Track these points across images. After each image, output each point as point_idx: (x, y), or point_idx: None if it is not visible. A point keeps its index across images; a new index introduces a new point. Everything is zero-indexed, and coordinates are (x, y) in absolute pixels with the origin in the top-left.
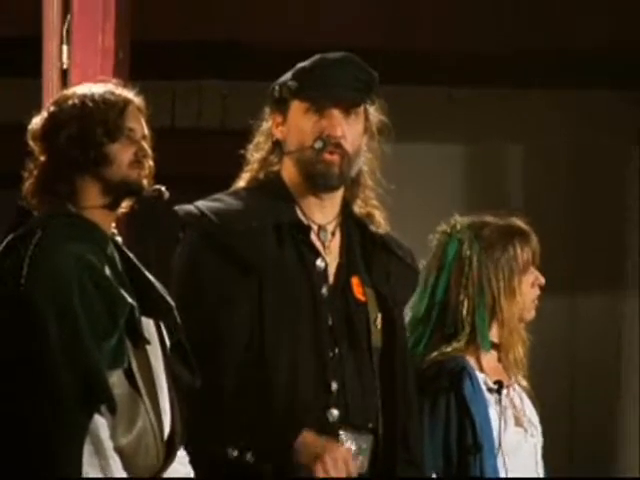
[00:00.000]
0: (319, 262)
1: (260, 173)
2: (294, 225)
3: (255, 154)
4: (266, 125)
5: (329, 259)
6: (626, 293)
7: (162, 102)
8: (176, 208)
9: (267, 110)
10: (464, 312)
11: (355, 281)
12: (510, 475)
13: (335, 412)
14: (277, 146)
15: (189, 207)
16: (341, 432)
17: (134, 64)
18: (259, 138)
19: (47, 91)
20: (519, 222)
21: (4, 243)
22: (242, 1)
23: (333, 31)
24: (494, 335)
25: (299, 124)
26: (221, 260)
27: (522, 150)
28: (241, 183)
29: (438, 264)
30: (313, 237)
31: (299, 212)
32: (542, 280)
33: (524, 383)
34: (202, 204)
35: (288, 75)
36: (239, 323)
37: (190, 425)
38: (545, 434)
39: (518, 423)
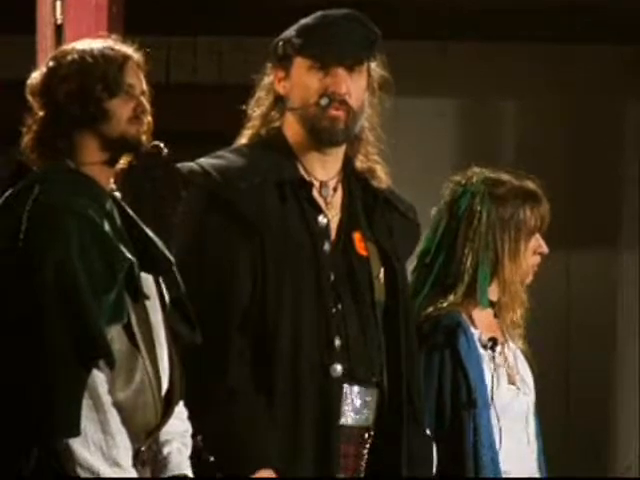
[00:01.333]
0: (321, 218)
1: (262, 129)
2: (296, 181)
3: (256, 109)
4: (267, 80)
5: (331, 215)
6: (622, 249)
7: (157, 57)
8: (178, 166)
9: (269, 65)
10: (467, 265)
11: (357, 236)
12: (501, 430)
13: (339, 367)
14: (279, 101)
15: (191, 165)
16: (345, 386)
17: (128, 19)
18: (260, 93)
19: (41, 47)
20: (533, 185)
21: (2, 198)
22: None
23: None
24: (493, 293)
25: (303, 80)
26: (224, 218)
27: (517, 105)
28: (243, 140)
29: (449, 214)
30: (315, 193)
31: (301, 168)
32: (545, 249)
33: (520, 344)
34: (205, 162)
35: (291, 31)
36: (242, 280)
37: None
38: (541, 391)
39: (511, 381)
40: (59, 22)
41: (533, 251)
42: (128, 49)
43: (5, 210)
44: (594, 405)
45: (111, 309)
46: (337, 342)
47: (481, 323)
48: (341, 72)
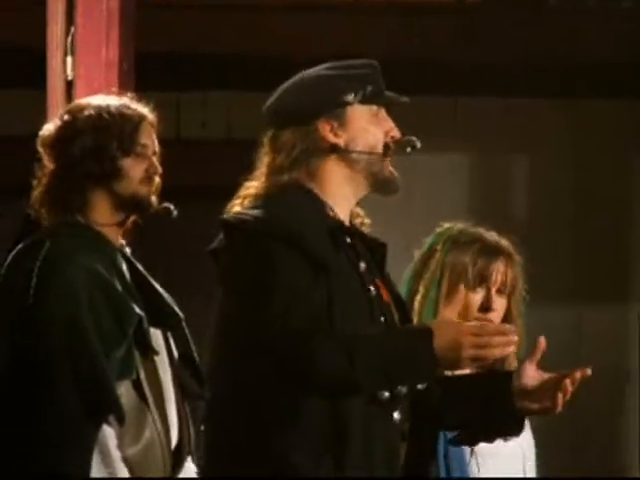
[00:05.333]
0: (362, 264)
1: (281, 178)
2: (339, 228)
3: (280, 158)
4: (306, 130)
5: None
6: (632, 303)
7: (167, 113)
8: (225, 217)
9: (310, 116)
10: (416, 302)
11: (378, 282)
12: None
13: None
14: (325, 150)
15: (242, 216)
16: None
17: (139, 75)
18: (286, 144)
19: (52, 102)
20: (500, 240)
21: (13, 253)
22: (246, 12)
23: (339, 41)
24: None
25: (367, 128)
26: (295, 260)
27: (527, 160)
28: (254, 189)
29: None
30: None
31: (337, 215)
32: (493, 306)
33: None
34: (253, 212)
35: (340, 82)
36: (313, 315)
37: None
38: (547, 445)
39: None
40: (70, 78)
41: (479, 305)
42: (144, 109)
43: (15, 265)
44: (607, 457)
45: (120, 364)
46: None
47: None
48: (387, 115)
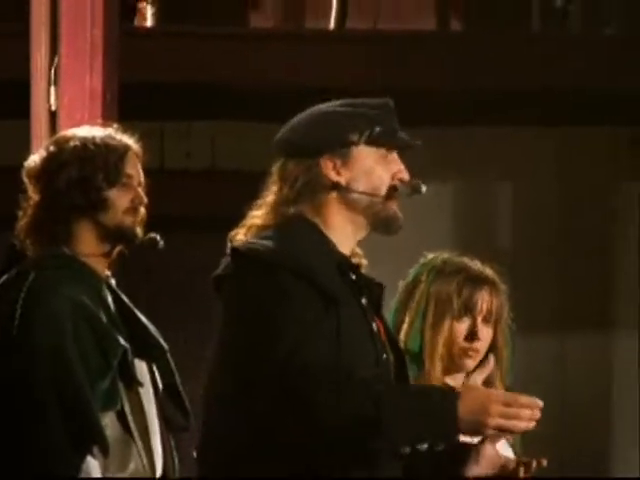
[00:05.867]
0: (363, 300)
1: (280, 213)
2: (345, 263)
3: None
4: (309, 164)
5: None
6: (616, 334)
7: (151, 143)
8: (237, 246)
9: (314, 152)
10: (402, 334)
11: (377, 321)
12: None
13: None
14: (325, 188)
15: (252, 246)
16: None
17: (122, 105)
18: (288, 179)
19: (36, 133)
20: (484, 269)
21: None
22: (231, 42)
23: (325, 70)
24: (453, 379)
25: (373, 169)
26: (304, 292)
27: (511, 188)
28: (254, 222)
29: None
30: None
31: (341, 251)
32: (479, 335)
33: None
34: (262, 242)
35: (346, 120)
36: (326, 349)
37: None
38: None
39: None
40: (53, 108)
41: (465, 334)
42: (129, 139)
43: (2, 294)
44: None
45: (105, 396)
46: None
47: None
48: (397, 158)
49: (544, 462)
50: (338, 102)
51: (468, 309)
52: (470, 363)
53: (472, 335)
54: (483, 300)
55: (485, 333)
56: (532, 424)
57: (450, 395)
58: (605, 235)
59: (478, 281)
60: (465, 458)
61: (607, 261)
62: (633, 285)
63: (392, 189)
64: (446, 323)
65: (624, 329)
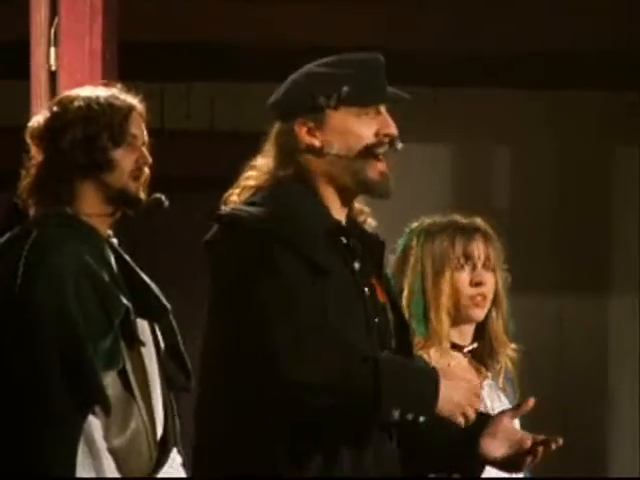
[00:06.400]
0: (356, 264)
1: (272, 179)
2: (335, 227)
3: (265, 159)
4: (281, 130)
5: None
6: (613, 295)
7: (151, 104)
8: (222, 213)
9: (288, 116)
10: (404, 300)
11: (375, 281)
12: None
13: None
14: (303, 152)
15: (240, 212)
16: None
17: (122, 65)
18: (272, 144)
19: (36, 94)
20: (475, 221)
21: None
22: (231, 2)
23: (323, 31)
24: (457, 335)
25: (352, 129)
26: (295, 260)
27: (508, 150)
28: (248, 187)
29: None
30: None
31: (333, 214)
32: (481, 279)
33: (501, 382)
34: (251, 209)
35: (328, 81)
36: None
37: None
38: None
39: None
40: (53, 68)
41: (469, 282)
42: (133, 99)
43: (1, 254)
44: (589, 448)
45: (107, 355)
46: None
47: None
48: (384, 112)
49: (560, 441)
50: (323, 60)
51: (467, 257)
52: (479, 312)
53: (476, 281)
54: (479, 248)
55: (488, 278)
56: None
57: (432, 371)
58: (603, 197)
59: (470, 231)
60: (481, 429)
61: (605, 223)
62: (631, 246)
63: (373, 146)
64: (447, 275)
65: (622, 290)
